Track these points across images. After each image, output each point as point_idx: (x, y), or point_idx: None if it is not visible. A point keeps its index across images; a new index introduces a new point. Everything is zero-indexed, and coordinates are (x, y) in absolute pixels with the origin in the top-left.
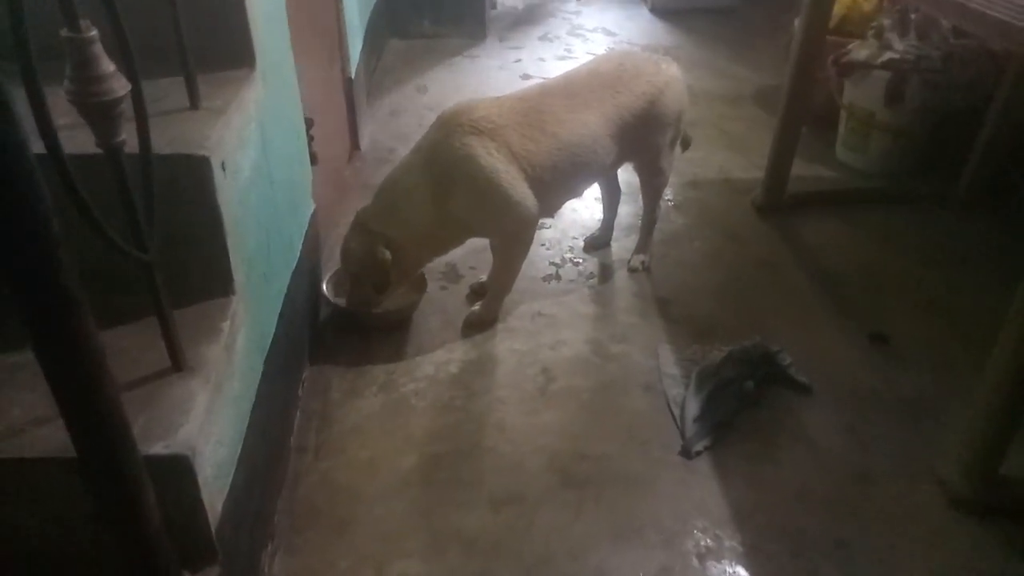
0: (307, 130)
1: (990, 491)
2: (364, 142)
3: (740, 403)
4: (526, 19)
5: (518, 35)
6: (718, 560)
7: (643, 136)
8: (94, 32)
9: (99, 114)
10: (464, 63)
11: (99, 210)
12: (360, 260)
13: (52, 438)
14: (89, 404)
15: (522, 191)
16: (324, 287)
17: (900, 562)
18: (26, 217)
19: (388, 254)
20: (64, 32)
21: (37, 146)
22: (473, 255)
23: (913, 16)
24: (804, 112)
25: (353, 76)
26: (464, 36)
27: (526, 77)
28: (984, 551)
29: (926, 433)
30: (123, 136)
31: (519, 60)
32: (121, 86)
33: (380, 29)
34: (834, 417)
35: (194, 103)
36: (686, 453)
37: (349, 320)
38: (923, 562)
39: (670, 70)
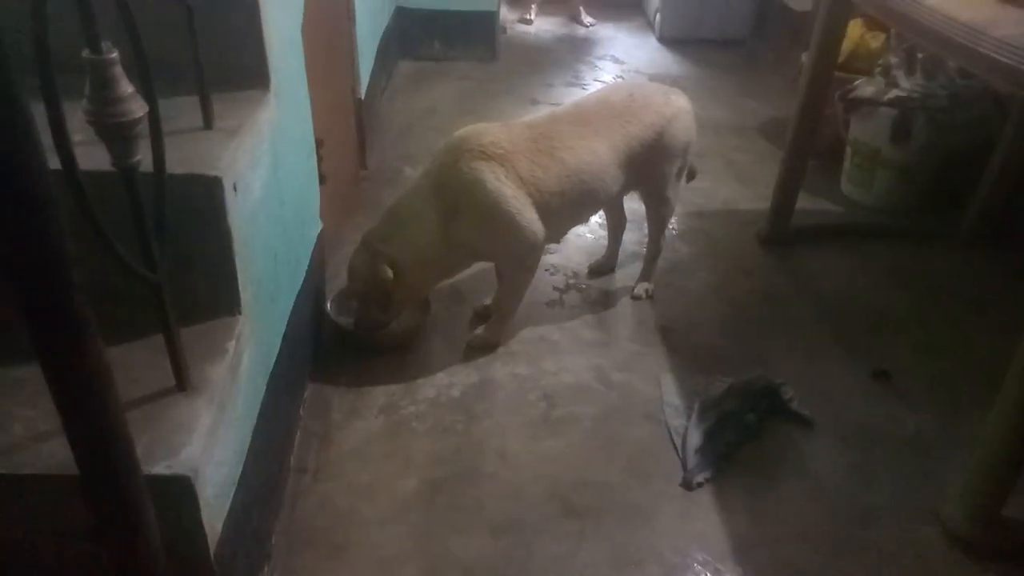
0: (317, 150)
1: (992, 533)
2: (372, 162)
3: (742, 435)
4: (535, 45)
5: (527, 60)
6: None
7: (651, 165)
8: (115, 54)
9: (116, 135)
10: (473, 86)
11: (108, 227)
12: (364, 279)
13: (53, 455)
14: (94, 423)
15: (529, 216)
16: (328, 307)
17: None
18: (41, 237)
19: (390, 273)
20: (85, 53)
21: (50, 161)
22: (477, 278)
23: (920, 55)
24: (810, 146)
25: (363, 97)
26: (474, 59)
27: (534, 103)
28: None
29: (928, 471)
30: (139, 156)
31: (528, 85)
32: (139, 107)
33: (391, 50)
34: (836, 452)
35: (208, 123)
36: (687, 484)
37: (352, 340)
38: None
39: (679, 101)
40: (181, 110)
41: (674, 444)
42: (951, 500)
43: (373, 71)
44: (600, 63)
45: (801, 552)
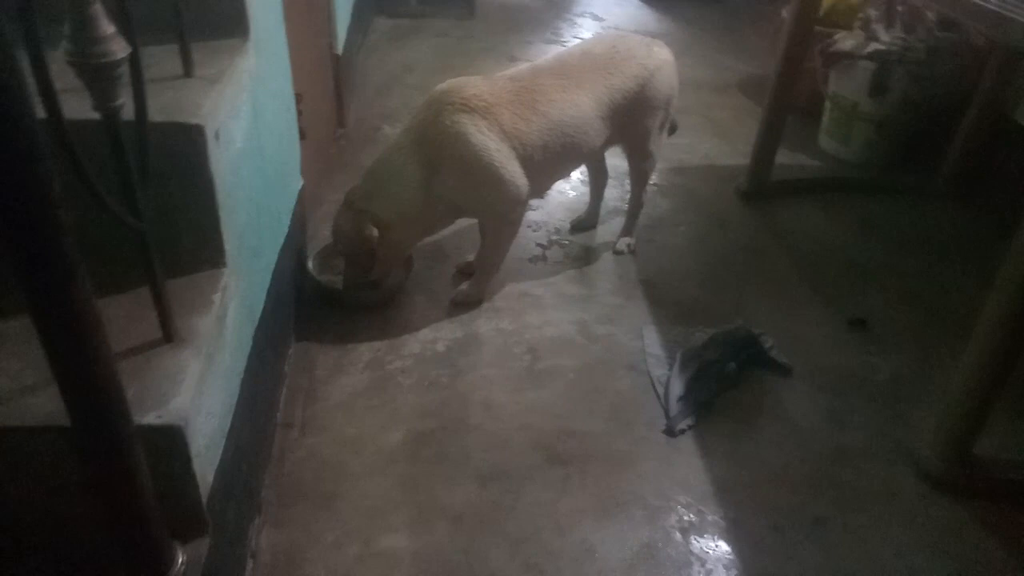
0: (296, 104)
1: (964, 470)
2: (350, 120)
3: (722, 384)
4: (513, 2)
5: (505, 17)
6: (700, 534)
7: (633, 118)
8: None
9: (98, 76)
10: (451, 44)
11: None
12: (349, 238)
13: (41, 407)
14: (85, 372)
15: (513, 170)
16: (309, 265)
17: (875, 538)
18: (28, 179)
19: (375, 232)
20: None
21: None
22: (460, 235)
23: (899, 8)
24: (790, 101)
25: (340, 53)
26: (451, 17)
27: (513, 59)
28: (957, 528)
29: (902, 415)
30: (122, 100)
31: (506, 42)
32: (121, 48)
33: (367, 7)
34: (813, 398)
35: (188, 71)
36: (670, 431)
37: (335, 298)
38: (898, 538)
39: (662, 53)
40: (160, 59)
41: (656, 393)
42: (924, 441)
43: (350, 28)
44: (579, 20)
45: (780, 492)
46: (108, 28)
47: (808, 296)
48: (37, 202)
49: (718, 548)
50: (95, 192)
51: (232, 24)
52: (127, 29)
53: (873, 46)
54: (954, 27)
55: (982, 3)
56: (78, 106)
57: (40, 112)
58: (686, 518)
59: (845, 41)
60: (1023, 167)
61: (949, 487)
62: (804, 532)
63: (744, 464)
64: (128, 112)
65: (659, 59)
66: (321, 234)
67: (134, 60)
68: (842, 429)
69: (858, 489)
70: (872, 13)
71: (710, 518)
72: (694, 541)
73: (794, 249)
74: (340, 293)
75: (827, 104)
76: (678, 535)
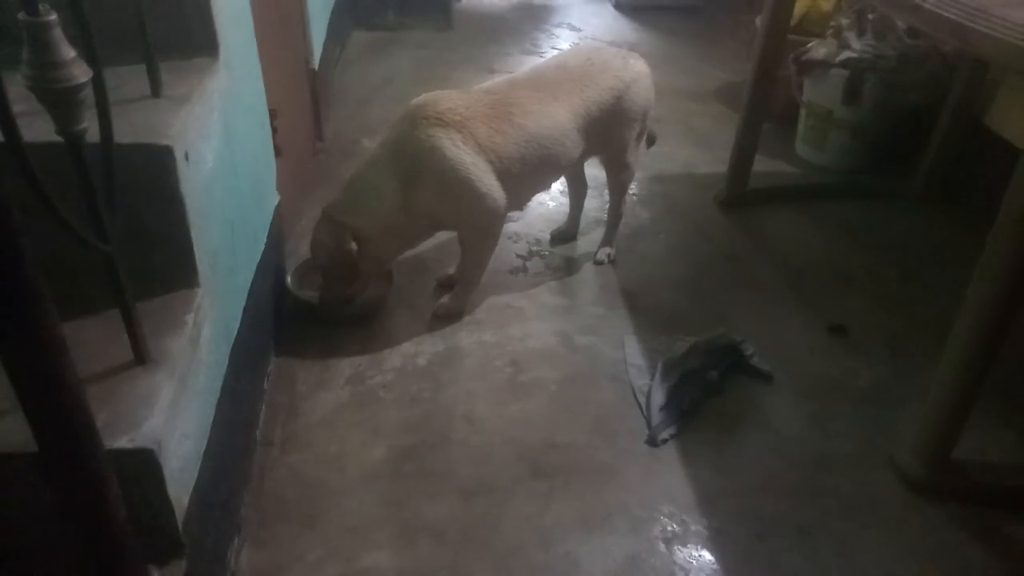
0: (271, 121)
1: (944, 475)
2: (328, 134)
3: (704, 392)
4: (491, 13)
5: (483, 29)
6: (684, 544)
7: (610, 130)
8: (53, 16)
9: (60, 101)
10: (429, 56)
11: (57, 201)
12: (328, 252)
13: (10, 432)
14: (51, 397)
15: (489, 183)
16: (288, 280)
17: (859, 545)
18: None
19: (354, 245)
20: (21, 16)
21: None
22: (440, 248)
23: (870, 16)
24: (766, 109)
25: (317, 67)
26: (429, 28)
27: (492, 71)
28: (939, 533)
29: (883, 421)
30: (85, 123)
31: (484, 54)
32: (83, 72)
33: (344, 20)
34: (795, 405)
35: (156, 91)
36: (652, 441)
37: (314, 314)
38: (881, 545)
39: (637, 65)
40: (126, 79)
41: (639, 403)
42: (904, 446)
43: (326, 41)
44: (557, 31)
45: (763, 500)
46: (68, 53)
47: (788, 303)
48: None
49: (702, 558)
50: (58, 216)
51: (201, 42)
52: (90, 53)
53: (845, 54)
54: (923, 35)
55: (941, 12)
56: (44, 128)
57: None
58: (670, 528)
59: (818, 49)
60: (996, 171)
61: (930, 492)
62: (788, 541)
63: (727, 472)
64: (93, 134)
65: (635, 71)
66: (301, 250)
67: (98, 83)
68: (824, 436)
69: (841, 496)
70: (844, 21)
71: (693, 528)
72: (678, 551)
73: (773, 256)
74: (322, 309)
75: (802, 112)
76: (662, 546)
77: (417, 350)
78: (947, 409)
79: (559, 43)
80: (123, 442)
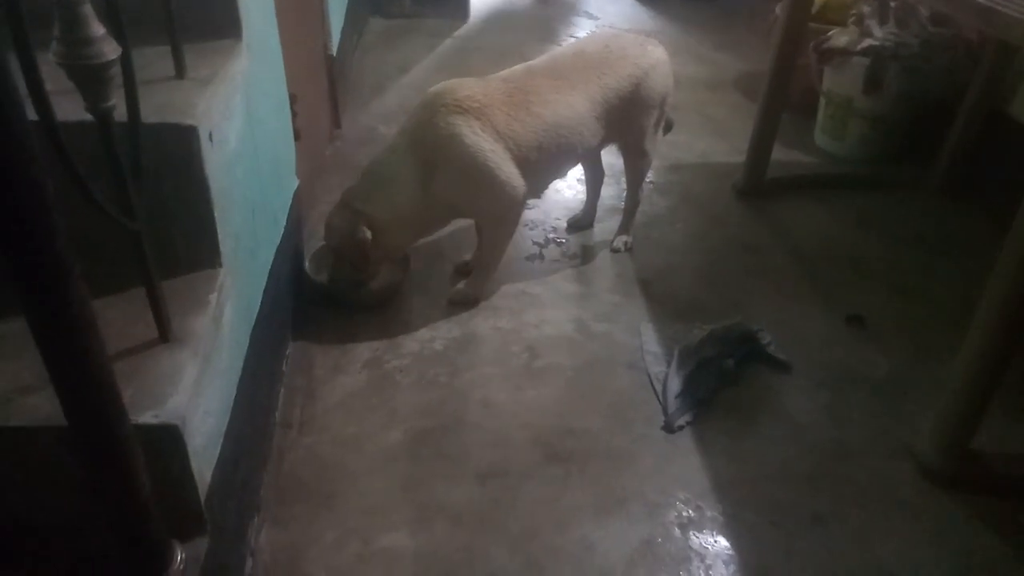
0: (290, 105)
1: (962, 465)
2: (345, 121)
3: (721, 380)
4: (508, 1)
5: (500, 17)
6: (699, 530)
7: (628, 117)
8: None
9: (90, 77)
10: (446, 44)
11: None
12: (341, 237)
13: (39, 407)
14: (81, 372)
15: (508, 171)
16: (307, 265)
17: (874, 534)
18: (21, 180)
19: (369, 234)
20: None
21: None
22: (456, 234)
23: (892, 4)
24: (785, 98)
25: (335, 54)
26: (446, 16)
27: (508, 59)
28: (955, 522)
29: (900, 411)
30: (114, 101)
31: (501, 42)
32: (111, 49)
33: (361, 7)
34: (812, 395)
35: (180, 72)
36: (668, 428)
37: (332, 298)
38: (896, 534)
39: (656, 52)
40: (151, 60)
41: (655, 390)
42: (922, 436)
43: (343, 28)
44: (574, 18)
45: (779, 488)
46: (99, 29)
47: (805, 292)
48: (31, 205)
49: (717, 543)
50: (88, 193)
51: (224, 25)
52: (118, 30)
53: (867, 42)
54: (947, 22)
55: None
56: (71, 108)
57: (32, 114)
58: (685, 514)
59: (839, 37)
60: (1018, 161)
61: (947, 482)
62: (803, 528)
63: (743, 460)
64: (120, 113)
65: (653, 58)
66: (318, 234)
67: (125, 61)
68: (841, 425)
69: (857, 485)
70: (865, 9)
71: (709, 514)
72: (693, 537)
73: (791, 245)
74: (340, 293)
75: (822, 101)
76: (677, 531)
77: (434, 335)
78: (966, 399)
79: (576, 31)
80: (148, 418)
